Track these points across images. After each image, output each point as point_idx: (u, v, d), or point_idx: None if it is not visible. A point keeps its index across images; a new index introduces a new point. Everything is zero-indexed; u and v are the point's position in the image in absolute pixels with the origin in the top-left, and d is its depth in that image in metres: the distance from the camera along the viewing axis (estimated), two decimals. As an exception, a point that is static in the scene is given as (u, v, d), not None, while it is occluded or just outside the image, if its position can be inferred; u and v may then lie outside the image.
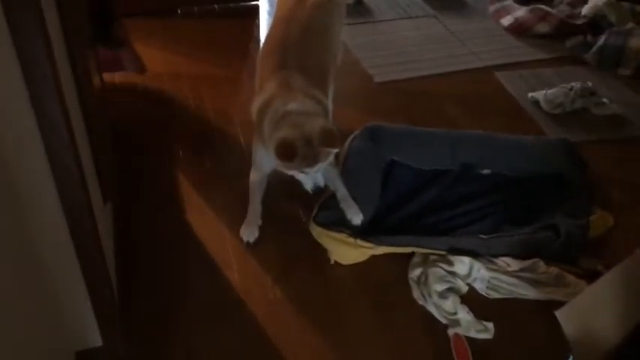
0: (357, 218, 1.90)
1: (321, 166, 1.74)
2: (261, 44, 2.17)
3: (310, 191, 1.82)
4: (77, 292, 1.45)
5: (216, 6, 3.41)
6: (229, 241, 1.99)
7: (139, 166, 2.28)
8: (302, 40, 1.99)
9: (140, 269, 1.88)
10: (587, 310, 1.60)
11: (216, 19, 3.34)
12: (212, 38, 3.12)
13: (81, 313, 1.49)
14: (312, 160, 1.70)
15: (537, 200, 2.16)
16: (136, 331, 1.69)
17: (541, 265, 1.91)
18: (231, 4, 3.46)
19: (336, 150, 1.73)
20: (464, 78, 2.97)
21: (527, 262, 1.91)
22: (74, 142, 1.23)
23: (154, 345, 1.68)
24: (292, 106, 1.75)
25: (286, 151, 1.66)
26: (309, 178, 1.79)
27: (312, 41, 2.04)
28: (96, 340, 1.57)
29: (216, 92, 2.71)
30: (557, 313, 1.61)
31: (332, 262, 1.91)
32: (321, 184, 1.82)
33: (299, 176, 1.80)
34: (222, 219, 2.06)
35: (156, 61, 2.88)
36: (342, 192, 1.93)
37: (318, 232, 1.92)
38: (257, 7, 3.46)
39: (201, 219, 2.07)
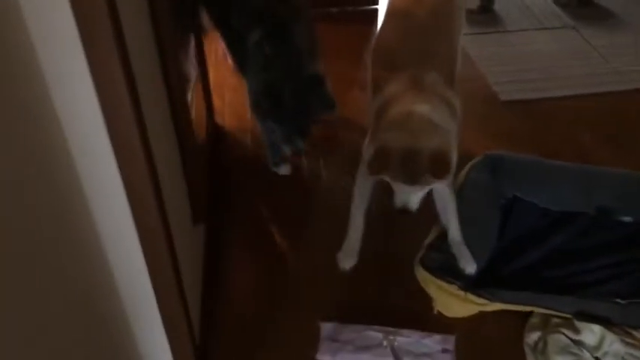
0: (470, 267, 1.66)
1: (419, 190, 1.53)
2: (374, 40, 1.97)
3: (395, 206, 1.61)
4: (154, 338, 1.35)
5: (334, 9, 3.26)
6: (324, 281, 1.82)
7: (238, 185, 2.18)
8: (426, 36, 1.76)
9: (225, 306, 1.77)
10: None
11: (334, 22, 3.19)
12: (329, 42, 2.97)
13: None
14: (408, 179, 1.48)
15: None
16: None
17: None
18: (350, 8, 3.29)
19: (441, 182, 1.51)
20: (606, 102, 2.59)
21: None
22: (154, 172, 1.11)
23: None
24: (422, 107, 1.52)
25: (377, 161, 1.47)
26: (403, 196, 1.58)
27: (437, 38, 1.78)
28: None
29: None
30: None
31: (435, 311, 1.69)
32: (413, 207, 1.58)
33: (392, 185, 1.58)
34: (320, 253, 1.89)
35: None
36: (455, 233, 1.70)
37: (423, 277, 1.69)
38: (376, 11, 3.27)
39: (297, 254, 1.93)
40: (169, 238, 1.21)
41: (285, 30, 1.87)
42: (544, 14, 3.29)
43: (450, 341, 1.60)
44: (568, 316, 1.62)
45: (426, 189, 1.55)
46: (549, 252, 1.83)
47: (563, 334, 1.58)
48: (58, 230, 0.94)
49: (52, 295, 0.91)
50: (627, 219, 1.91)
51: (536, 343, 1.59)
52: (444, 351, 1.58)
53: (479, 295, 1.61)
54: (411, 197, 1.56)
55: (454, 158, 1.50)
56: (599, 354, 1.57)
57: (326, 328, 1.64)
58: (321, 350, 1.60)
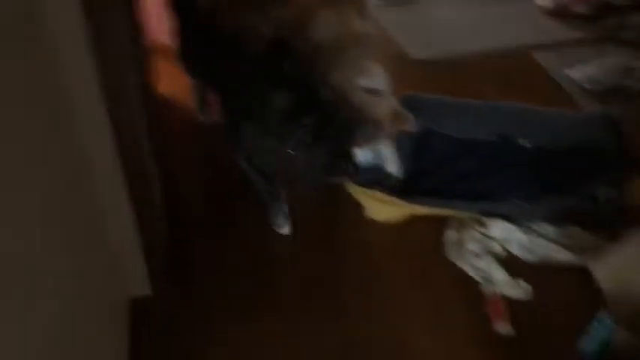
0: (398, 171, 1.94)
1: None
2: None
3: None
4: (132, 244, 1.53)
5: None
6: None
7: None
8: None
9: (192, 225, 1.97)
10: (622, 265, 1.61)
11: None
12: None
13: (135, 262, 1.57)
14: None
15: (576, 170, 2.14)
16: (186, 283, 1.77)
17: (579, 232, 1.91)
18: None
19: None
20: (501, 57, 2.98)
21: (565, 229, 1.91)
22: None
23: (203, 297, 1.75)
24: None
25: None
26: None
27: None
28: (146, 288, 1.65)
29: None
30: (592, 266, 1.62)
31: (367, 218, 1.96)
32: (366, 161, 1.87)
33: None
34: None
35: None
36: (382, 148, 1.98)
37: (355, 190, 1.97)
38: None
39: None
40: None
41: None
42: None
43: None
44: (477, 216, 1.93)
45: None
46: (461, 171, 2.13)
47: (475, 229, 1.89)
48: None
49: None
50: (525, 143, 2.24)
51: (454, 239, 1.89)
52: None
53: (402, 199, 1.89)
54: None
55: None
56: (506, 243, 1.89)
57: None
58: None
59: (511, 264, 1.83)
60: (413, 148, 2.15)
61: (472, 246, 1.83)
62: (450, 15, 3.39)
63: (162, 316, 1.66)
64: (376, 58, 1.86)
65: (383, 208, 1.93)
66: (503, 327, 1.66)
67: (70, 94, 1.24)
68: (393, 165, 1.98)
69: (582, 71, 2.74)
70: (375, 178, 1.95)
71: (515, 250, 1.87)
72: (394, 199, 1.91)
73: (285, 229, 1.93)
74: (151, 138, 1.78)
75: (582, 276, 1.74)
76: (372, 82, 1.80)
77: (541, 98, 2.61)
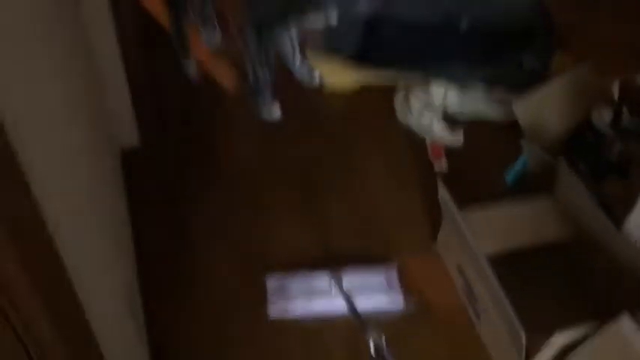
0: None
1: None
2: None
3: None
4: (124, 99, 1.81)
5: None
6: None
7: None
8: None
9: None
10: (541, 104, 1.96)
11: None
12: None
13: (126, 115, 1.85)
14: None
15: (507, 44, 2.44)
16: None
17: (505, 91, 2.24)
18: None
19: None
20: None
21: (495, 90, 2.25)
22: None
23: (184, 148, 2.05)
24: None
25: None
26: None
27: None
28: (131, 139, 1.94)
29: None
30: (514, 105, 1.97)
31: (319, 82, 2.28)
32: None
33: None
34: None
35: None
36: None
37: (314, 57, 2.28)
38: None
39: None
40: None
41: None
42: None
43: (392, 274, 1.71)
44: (420, 80, 2.25)
45: None
46: (408, 47, 2.39)
47: (419, 91, 2.21)
48: None
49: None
50: (464, 24, 2.52)
51: (401, 100, 2.20)
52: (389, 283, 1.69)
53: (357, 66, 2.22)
54: None
55: None
56: (445, 102, 2.20)
57: (271, 281, 1.66)
58: (272, 306, 1.61)
59: (449, 119, 2.17)
60: (364, 29, 2.42)
61: (417, 104, 2.16)
62: None
63: (150, 164, 1.96)
64: None
65: (339, 75, 2.23)
66: (440, 166, 2.01)
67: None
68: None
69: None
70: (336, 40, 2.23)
71: (452, 108, 2.20)
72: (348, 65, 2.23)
73: (278, 114, 2.14)
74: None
75: (509, 129, 2.10)
76: None
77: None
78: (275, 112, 2.15)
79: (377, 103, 2.25)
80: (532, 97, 1.97)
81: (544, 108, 1.95)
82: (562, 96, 1.97)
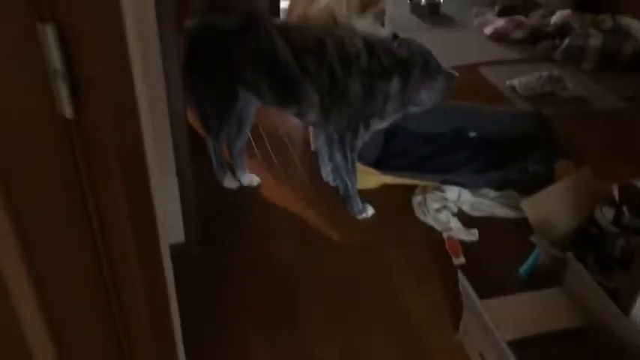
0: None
1: None
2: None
3: None
4: (171, 194, 2.02)
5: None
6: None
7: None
8: None
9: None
10: (548, 204, 2.16)
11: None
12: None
13: (172, 212, 2.05)
14: None
15: (513, 152, 2.69)
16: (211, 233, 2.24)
17: (514, 195, 2.46)
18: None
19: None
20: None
21: (504, 192, 2.47)
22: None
23: (224, 246, 2.23)
24: None
25: None
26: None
27: None
28: (180, 237, 2.12)
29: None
30: (523, 204, 2.16)
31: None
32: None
33: None
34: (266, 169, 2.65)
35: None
36: None
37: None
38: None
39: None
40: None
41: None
42: (405, 21, 4.32)
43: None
44: (437, 184, 2.47)
45: None
46: (423, 153, 2.68)
47: (436, 193, 2.42)
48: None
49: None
50: (473, 134, 2.81)
51: (419, 201, 2.41)
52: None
53: (377, 169, 2.45)
54: None
55: None
56: (458, 203, 2.43)
57: None
58: None
59: (463, 217, 2.37)
60: (384, 138, 2.69)
61: (433, 204, 2.36)
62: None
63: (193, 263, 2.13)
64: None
65: (363, 177, 2.45)
66: (458, 260, 2.18)
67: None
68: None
69: (520, 81, 3.36)
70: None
71: (466, 208, 2.41)
72: (372, 170, 2.45)
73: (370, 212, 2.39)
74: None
75: (519, 226, 2.29)
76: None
77: (488, 103, 3.20)
78: (368, 210, 2.40)
79: (397, 202, 2.47)
80: (539, 197, 2.17)
81: (550, 207, 2.15)
82: (567, 196, 2.18)
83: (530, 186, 2.46)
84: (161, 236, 0.80)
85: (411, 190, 2.50)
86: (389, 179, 2.49)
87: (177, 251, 2.12)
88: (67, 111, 0.57)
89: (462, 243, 2.25)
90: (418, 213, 2.39)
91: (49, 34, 0.53)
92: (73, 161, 0.60)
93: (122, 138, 0.61)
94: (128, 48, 0.57)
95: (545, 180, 2.51)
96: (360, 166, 2.43)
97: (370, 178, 2.47)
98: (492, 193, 2.45)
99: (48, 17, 0.53)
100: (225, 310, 1.97)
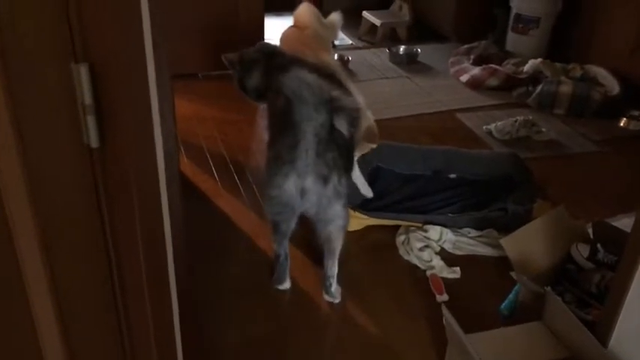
0: (368, 193, 2.57)
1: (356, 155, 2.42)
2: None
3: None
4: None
5: (230, 71, 4.16)
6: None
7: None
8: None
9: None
10: (526, 241, 2.24)
11: (231, 80, 4.08)
12: (228, 93, 3.85)
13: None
14: None
15: (492, 193, 2.78)
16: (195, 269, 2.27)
17: (494, 234, 2.54)
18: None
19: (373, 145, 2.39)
20: (432, 118, 3.73)
21: (485, 231, 2.55)
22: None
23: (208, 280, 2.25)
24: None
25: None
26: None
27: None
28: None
29: (237, 130, 3.42)
30: (503, 241, 2.24)
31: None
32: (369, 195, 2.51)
33: None
34: (252, 207, 2.71)
35: (185, 108, 3.60)
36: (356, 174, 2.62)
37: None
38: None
39: (232, 208, 2.70)
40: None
41: None
42: (385, 69, 4.49)
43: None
44: (420, 224, 2.55)
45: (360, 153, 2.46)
46: (404, 195, 2.76)
47: (418, 233, 2.50)
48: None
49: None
50: (452, 176, 2.91)
51: (403, 240, 2.48)
52: None
53: (363, 213, 2.50)
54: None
55: None
56: (440, 242, 2.50)
57: None
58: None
59: (446, 256, 2.44)
60: (367, 180, 2.78)
61: (416, 243, 2.43)
62: (387, 89, 4.16)
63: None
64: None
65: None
66: (441, 297, 2.23)
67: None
68: (363, 186, 2.59)
69: (496, 126, 3.50)
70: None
71: (448, 247, 2.48)
72: (357, 213, 2.51)
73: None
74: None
75: (499, 264, 2.37)
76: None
77: (465, 147, 3.32)
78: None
79: (381, 241, 2.53)
80: (518, 235, 2.26)
81: (529, 244, 2.24)
82: (544, 234, 2.27)
83: (509, 225, 2.54)
84: (169, 265, 0.86)
85: (394, 229, 2.57)
86: (373, 221, 2.56)
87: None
88: (93, 141, 0.64)
89: (445, 280, 2.31)
90: (402, 252, 2.45)
91: (82, 73, 0.59)
92: (95, 185, 0.66)
93: (141, 166, 0.67)
94: (149, 85, 0.64)
95: (524, 220, 2.60)
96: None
97: (355, 221, 2.54)
98: (473, 232, 2.53)
99: (81, 58, 0.60)
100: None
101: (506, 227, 2.54)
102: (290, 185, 1.93)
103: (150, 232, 0.73)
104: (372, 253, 2.48)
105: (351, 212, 2.51)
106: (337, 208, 2.03)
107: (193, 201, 2.77)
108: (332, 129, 1.87)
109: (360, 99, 2.53)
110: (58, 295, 0.71)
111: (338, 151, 1.95)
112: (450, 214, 2.62)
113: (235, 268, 2.37)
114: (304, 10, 3.43)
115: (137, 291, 0.76)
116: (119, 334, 0.79)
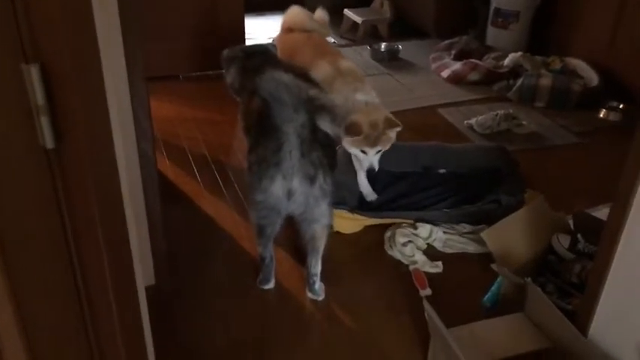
0: (372, 197, 2.58)
1: (381, 149, 2.44)
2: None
3: (364, 171, 2.50)
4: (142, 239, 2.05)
5: (210, 72, 4.16)
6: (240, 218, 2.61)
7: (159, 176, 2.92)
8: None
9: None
10: (507, 233, 2.25)
11: (211, 81, 4.08)
12: (209, 94, 3.85)
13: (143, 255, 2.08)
14: (374, 143, 2.39)
15: (483, 186, 2.75)
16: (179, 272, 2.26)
17: (486, 230, 2.51)
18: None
19: (397, 128, 2.44)
20: (415, 113, 3.74)
21: (479, 227, 2.53)
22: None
23: (192, 282, 2.25)
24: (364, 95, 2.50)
25: (352, 132, 2.35)
26: (367, 160, 2.46)
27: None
28: (150, 279, 2.14)
29: (219, 130, 3.40)
30: (484, 234, 2.25)
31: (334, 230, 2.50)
32: (376, 167, 2.47)
33: (360, 156, 2.46)
34: (234, 208, 2.70)
35: (166, 110, 3.59)
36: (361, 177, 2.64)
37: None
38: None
39: (214, 210, 2.70)
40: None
41: None
42: (366, 66, 4.49)
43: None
44: (411, 221, 2.55)
45: (385, 147, 2.45)
46: (397, 193, 2.73)
47: (406, 229, 2.50)
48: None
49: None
50: (442, 171, 2.89)
51: (389, 236, 2.48)
52: None
53: (362, 215, 2.52)
54: (374, 160, 2.47)
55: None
56: (429, 240, 2.49)
57: None
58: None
59: (431, 252, 2.45)
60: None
61: (400, 239, 2.43)
62: (372, 86, 4.14)
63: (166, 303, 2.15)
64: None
65: (346, 223, 2.53)
66: (424, 291, 2.24)
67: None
68: (367, 189, 2.61)
69: (477, 120, 3.52)
70: (338, 199, 2.46)
71: (437, 245, 2.47)
72: (356, 215, 2.53)
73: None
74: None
75: (483, 259, 2.38)
76: (367, 97, 2.49)
77: (448, 141, 3.33)
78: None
79: (371, 239, 2.54)
80: (499, 227, 2.27)
81: (510, 236, 2.25)
82: (525, 225, 2.28)
83: (504, 217, 2.55)
84: (136, 268, 0.85)
85: (386, 227, 2.57)
86: (372, 221, 2.56)
87: (148, 294, 2.15)
88: (49, 142, 0.63)
89: (428, 275, 2.32)
90: (386, 247, 2.46)
91: (33, 74, 0.59)
92: (53, 187, 0.65)
93: (99, 166, 0.67)
94: (104, 84, 0.64)
95: (517, 210, 2.61)
96: (343, 213, 2.50)
97: (354, 223, 2.54)
98: (468, 227, 2.53)
99: (32, 58, 0.59)
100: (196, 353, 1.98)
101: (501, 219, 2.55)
102: (277, 188, 1.92)
103: (112, 234, 0.73)
104: (358, 250, 2.49)
105: (350, 214, 2.52)
106: (323, 207, 2.03)
107: (175, 203, 2.76)
108: (314, 128, 1.87)
109: (373, 94, 2.59)
110: (18, 303, 0.70)
111: (322, 150, 1.95)
112: (444, 210, 2.62)
113: (219, 269, 2.36)
114: (299, 12, 3.40)
115: (102, 296, 0.76)
116: (85, 338, 0.78)
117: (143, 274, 2.09)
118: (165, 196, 2.60)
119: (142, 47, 1.70)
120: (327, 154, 1.97)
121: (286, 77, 1.83)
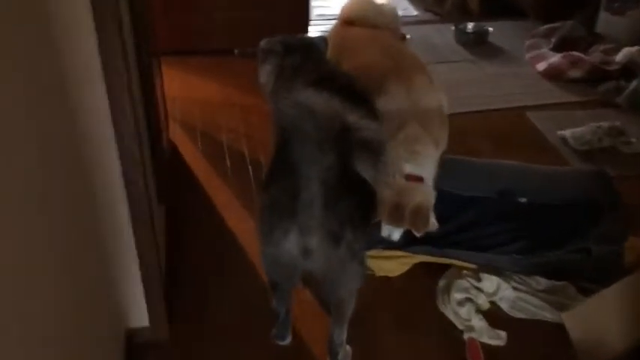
0: (396, 234, 1.99)
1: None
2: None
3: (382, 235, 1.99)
4: (131, 275, 1.69)
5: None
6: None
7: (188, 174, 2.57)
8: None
9: (185, 262, 2.13)
10: (594, 317, 1.72)
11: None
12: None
13: (133, 294, 1.72)
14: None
15: (572, 225, 2.19)
16: (178, 314, 1.91)
17: (571, 291, 1.98)
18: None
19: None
20: (497, 116, 3.16)
21: (558, 284, 2.01)
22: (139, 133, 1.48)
23: (193, 328, 1.88)
24: None
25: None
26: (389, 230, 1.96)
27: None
28: (143, 320, 1.79)
29: (264, 122, 2.98)
30: (564, 316, 1.73)
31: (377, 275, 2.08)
32: (396, 238, 1.96)
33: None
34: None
35: (210, 91, 3.21)
36: None
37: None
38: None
39: (242, 226, 2.30)
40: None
41: None
42: (448, 51, 3.89)
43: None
44: (474, 266, 2.05)
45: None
46: (462, 223, 2.20)
47: (467, 280, 2.00)
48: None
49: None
50: (523, 200, 2.33)
51: (444, 286, 2.00)
52: None
53: (404, 251, 2.05)
54: (396, 233, 1.96)
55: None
56: (495, 298, 1.99)
57: None
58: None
59: (493, 313, 1.95)
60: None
61: (457, 294, 1.95)
62: (448, 76, 3.56)
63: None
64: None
65: (386, 264, 2.08)
66: (479, 370, 1.76)
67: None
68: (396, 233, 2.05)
69: (573, 132, 2.89)
70: (371, 241, 2.00)
71: (504, 306, 1.98)
72: (397, 252, 2.06)
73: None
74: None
75: (561, 332, 1.86)
76: (417, 169, 1.95)
77: (534, 157, 2.75)
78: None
79: (418, 284, 2.08)
80: (583, 308, 1.73)
81: (600, 320, 1.71)
82: (622, 304, 1.73)
83: (592, 274, 2.02)
84: None
85: (442, 269, 2.10)
86: (420, 258, 2.10)
87: (141, 336, 1.82)
88: None
89: (486, 347, 1.83)
90: (438, 302, 1.99)
91: None
92: None
93: None
94: None
95: (611, 266, 2.06)
96: (383, 252, 2.05)
97: (399, 264, 2.10)
98: (543, 283, 2.01)
99: None
100: None
101: (589, 277, 2.01)
102: (291, 244, 1.46)
103: None
104: (401, 300, 2.02)
105: (393, 253, 2.06)
106: (351, 270, 1.56)
107: (199, 211, 2.39)
108: (345, 171, 1.39)
109: (442, 96, 2.09)
110: None
111: (355, 198, 1.48)
112: (514, 255, 2.10)
113: (230, 308, 1.98)
114: (365, 3, 2.73)
115: None
116: None
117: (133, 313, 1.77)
118: (189, 203, 2.29)
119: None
120: (361, 205, 1.50)
121: (318, 100, 1.35)
